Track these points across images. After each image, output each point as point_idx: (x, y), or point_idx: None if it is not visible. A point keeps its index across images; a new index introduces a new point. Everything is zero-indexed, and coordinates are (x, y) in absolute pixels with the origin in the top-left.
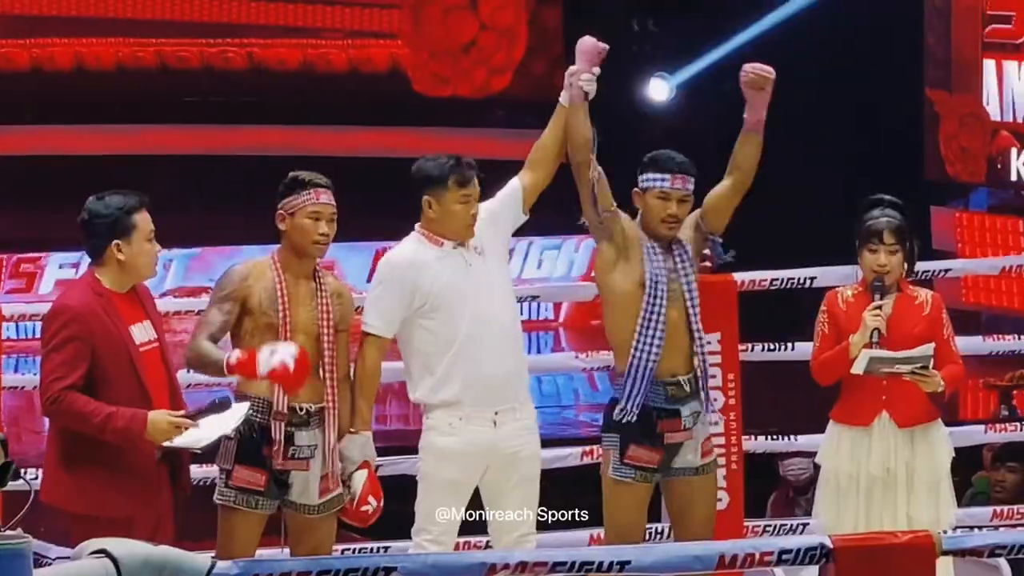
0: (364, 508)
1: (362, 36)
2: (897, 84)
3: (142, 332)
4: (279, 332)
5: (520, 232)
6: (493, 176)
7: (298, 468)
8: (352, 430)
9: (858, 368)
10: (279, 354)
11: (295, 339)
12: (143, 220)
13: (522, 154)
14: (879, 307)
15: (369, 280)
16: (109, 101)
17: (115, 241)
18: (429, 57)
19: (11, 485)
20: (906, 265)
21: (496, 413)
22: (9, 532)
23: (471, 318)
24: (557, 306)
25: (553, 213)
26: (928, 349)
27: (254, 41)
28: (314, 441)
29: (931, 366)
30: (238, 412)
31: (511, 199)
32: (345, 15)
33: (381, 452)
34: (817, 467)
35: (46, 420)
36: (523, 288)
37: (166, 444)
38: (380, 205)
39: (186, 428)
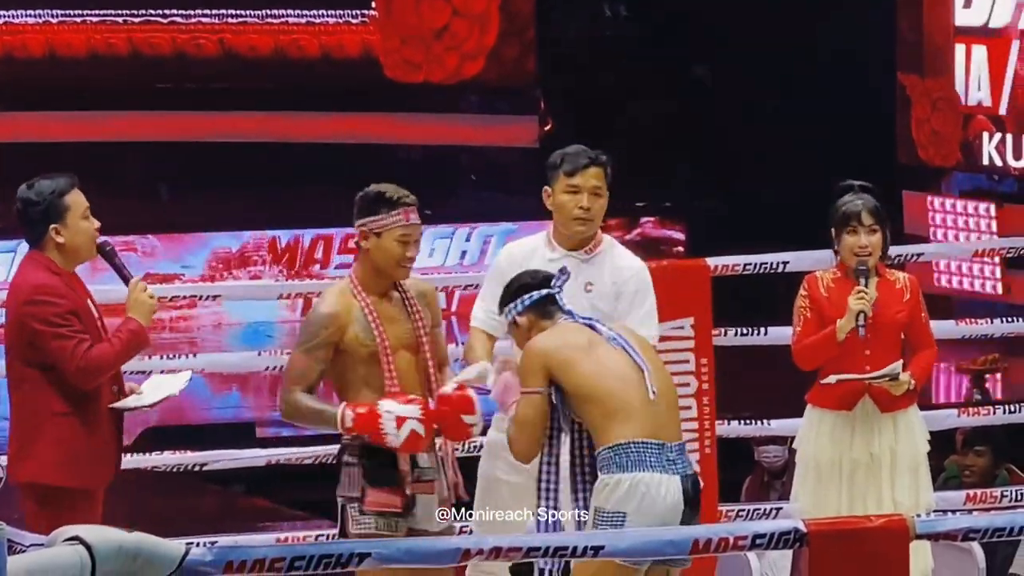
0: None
1: (334, 22)
2: (870, 69)
3: (93, 309)
4: (381, 359)
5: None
6: (466, 161)
7: (426, 491)
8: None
9: (831, 380)
10: (408, 425)
11: (396, 360)
12: (75, 200)
13: (494, 139)
14: (863, 291)
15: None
16: (81, 88)
17: (52, 225)
18: (401, 43)
19: None
20: (884, 248)
21: None
22: None
23: None
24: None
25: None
26: (896, 368)
27: (226, 27)
28: (434, 462)
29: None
30: (183, 376)
31: None
32: (317, 1)
33: None
34: (793, 451)
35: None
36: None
37: (114, 406)
38: (352, 192)
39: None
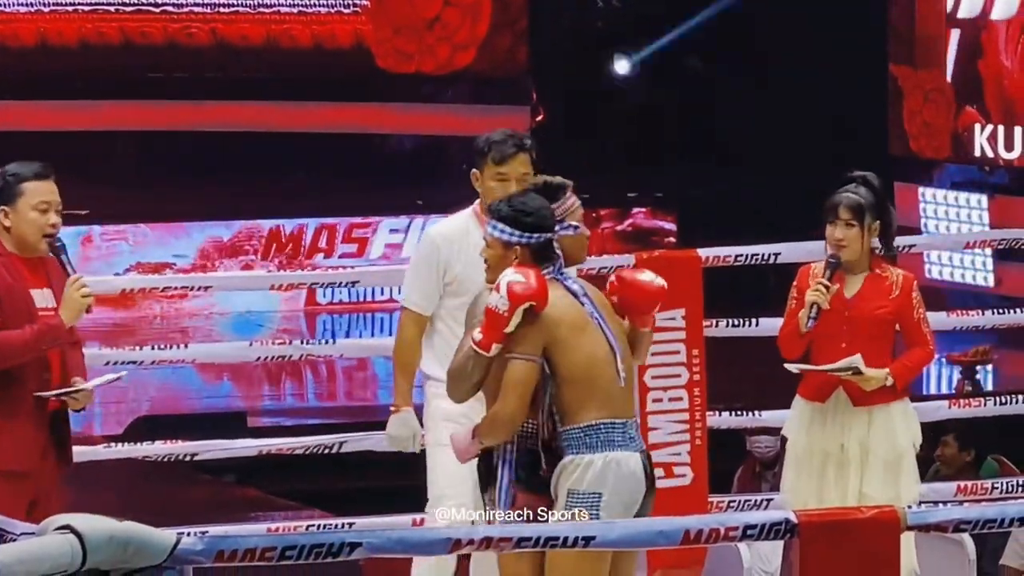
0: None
1: (326, 11)
2: (862, 60)
3: (41, 298)
4: None
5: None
6: (457, 151)
7: None
8: (393, 408)
9: (792, 368)
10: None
11: None
12: (34, 189)
13: (485, 128)
14: (822, 283)
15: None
16: (72, 77)
17: (1, 207)
18: (393, 33)
19: None
20: (882, 243)
21: None
22: None
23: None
24: None
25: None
26: (853, 361)
27: (217, 16)
28: None
29: (863, 370)
30: (115, 375)
31: None
32: None
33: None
34: (783, 441)
35: None
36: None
37: (39, 394)
38: (346, 180)
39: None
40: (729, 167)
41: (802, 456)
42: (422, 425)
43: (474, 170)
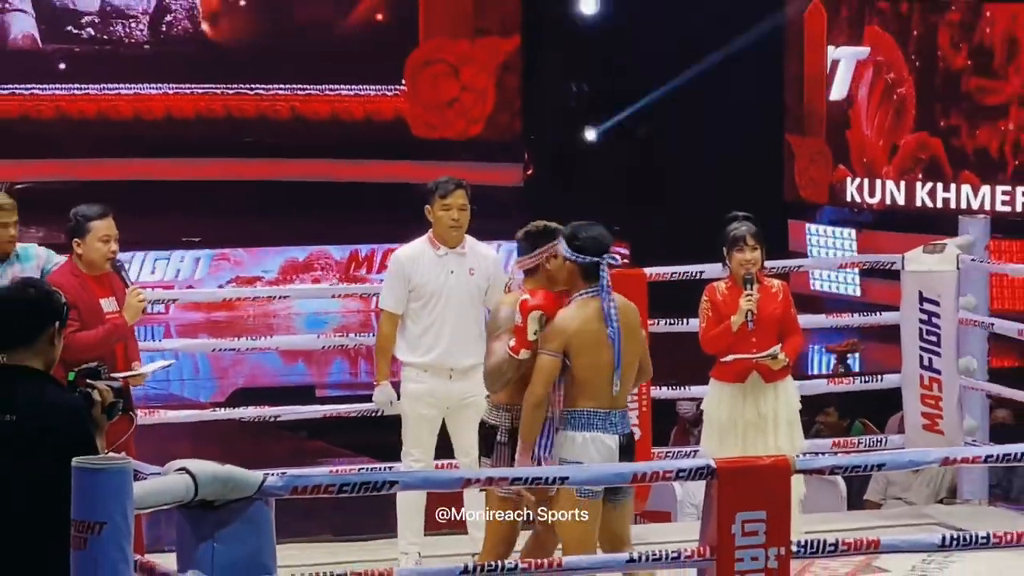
0: None
1: (375, 93)
2: (764, 130)
3: (107, 304)
4: None
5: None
6: (472, 201)
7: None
8: (375, 382)
9: (728, 359)
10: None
11: None
12: (97, 225)
13: (491, 180)
14: (751, 294)
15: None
16: (189, 140)
17: (75, 239)
18: (423, 110)
19: None
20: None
21: (452, 371)
22: (114, 454)
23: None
24: None
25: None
26: (775, 350)
27: (295, 97)
28: None
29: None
30: (165, 363)
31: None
32: (362, 78)
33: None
34: (700, 410)
35: None
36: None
37: (117, 375)
38: (388, 218)
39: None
40: (670, 205)
41: (726, 425)
42: (398, 397)
43: (427, 205)
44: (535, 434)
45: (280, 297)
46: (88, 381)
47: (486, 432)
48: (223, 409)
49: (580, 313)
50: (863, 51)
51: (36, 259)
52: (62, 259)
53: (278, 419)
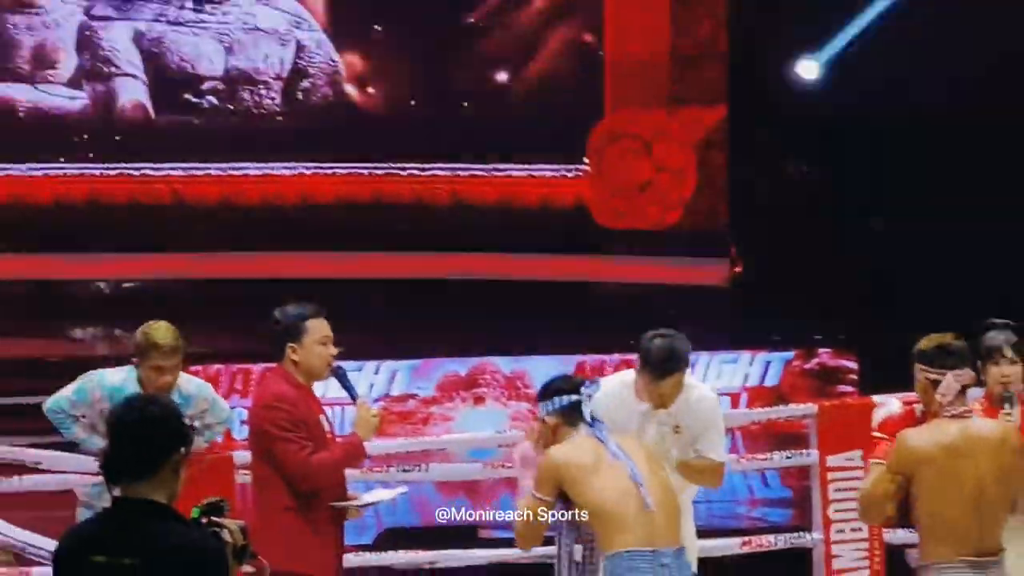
0: None
1: (551, 175)
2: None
3: (325, 422)
4: None
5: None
6: (667, 303)
7: None
8: None
9: None
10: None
11: None
12: (314, 326)
13: (692, 279)
14: (1008, 414)
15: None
16: (329, 231)
17: (289, 344)
18: (610, 195)
19: None
20: None
21: None
22: None
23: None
24: None
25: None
26: None
27: (456, 179)
28: None
29: None
30: (397, 491)
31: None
32: (537, 156)
33: None
34: None
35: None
36: None
37: (334, 504)
38: (571, 323)
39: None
40: (903, 315)
41: None
42: None
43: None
44: None
45: (438, 415)
46: (213, 519)
47: None
48: (369, 553)
49: (570, 445)
50: None
51: (199, 398)
52: (215, 395)
53: (433, 566)
